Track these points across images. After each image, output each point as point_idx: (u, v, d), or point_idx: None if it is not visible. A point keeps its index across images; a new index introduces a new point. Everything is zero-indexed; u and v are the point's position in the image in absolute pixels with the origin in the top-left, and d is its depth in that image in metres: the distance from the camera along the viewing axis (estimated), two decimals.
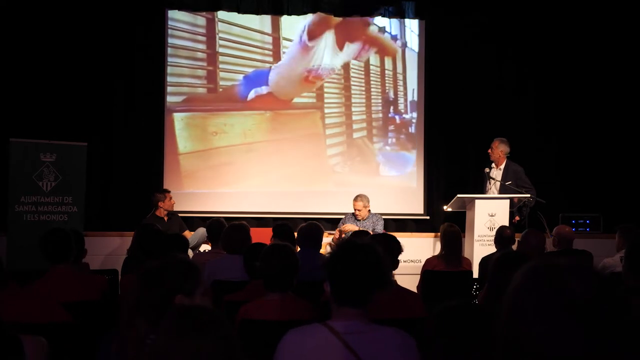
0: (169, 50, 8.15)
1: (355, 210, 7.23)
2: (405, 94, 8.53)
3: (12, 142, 6.82)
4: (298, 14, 8.26)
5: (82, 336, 3.06)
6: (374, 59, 8.45)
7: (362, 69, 8.44)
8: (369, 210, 7.28)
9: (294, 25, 8.32)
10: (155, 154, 8.03)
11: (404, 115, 8.53)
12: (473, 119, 8.31)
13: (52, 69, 7.73)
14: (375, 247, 2.21)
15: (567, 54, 8.42)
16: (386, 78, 8.48)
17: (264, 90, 8.24)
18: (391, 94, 8.51)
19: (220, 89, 8.24)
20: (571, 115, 8.43)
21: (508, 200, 6.83)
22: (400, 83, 8.52)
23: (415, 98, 8.51)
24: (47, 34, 7.71)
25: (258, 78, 8.25)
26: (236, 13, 8.15)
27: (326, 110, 8.39)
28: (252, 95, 8.23)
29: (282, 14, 8.24)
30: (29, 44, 7.67)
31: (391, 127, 8.51)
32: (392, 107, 8.51)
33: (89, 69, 7.83)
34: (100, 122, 7.94)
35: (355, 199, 7.24)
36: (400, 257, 3.57)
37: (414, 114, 8.51)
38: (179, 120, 8.17)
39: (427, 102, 8.48)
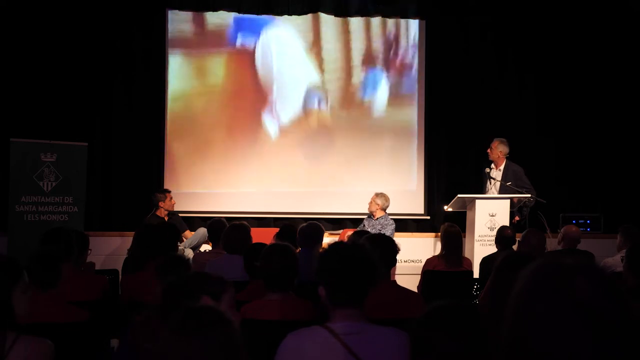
0: (169, 50, 8.15)
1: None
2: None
3: (13, 142, 6.81)
4: (298, 14, 8.26)
5: (83, 335, 3.06)
6: (374, 58, 8.46)
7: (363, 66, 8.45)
8: (385, 212, 7.29)
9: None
10: (155, 153, 8.03)
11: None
12: (473, 119, 8.31)
13: (52, 69, 7.72)
14: (362, 245, 2.26)
15: (567, 54, 8.43)
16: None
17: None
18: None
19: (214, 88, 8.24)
20: (571, 115, 8.43)
21: (508, 201, 6.83)
22: None
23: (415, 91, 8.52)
24: (47, 34, 7.70)
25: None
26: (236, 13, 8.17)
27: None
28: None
29: (282, 14, 8.23)
30: (29, 44, 7.67)
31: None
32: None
33: (89, 69, 7.82)
34: (100, 122, 7.94)
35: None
36: (400, 257, 3.57)
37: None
38: (178, 120, 8.17)
39: (427, 102, 8.47)
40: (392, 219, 7.34)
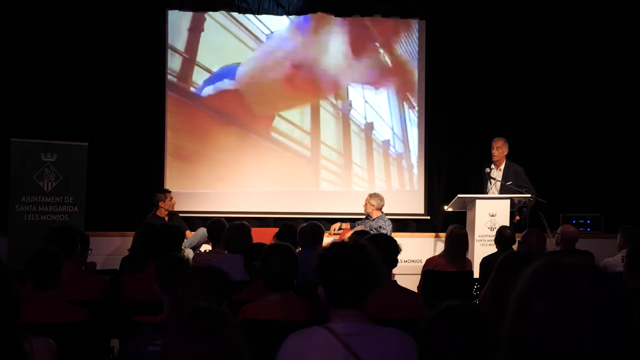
0: (169, 50, 8.14)
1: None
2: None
3: (13, 142, 6.82)
4: (298, 13, 8.26)
5: (83, 335, 3.06)
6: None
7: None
8: (381, 211, 7.28)
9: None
10: (155, 153, 8.03)
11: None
12: (473, 119, 8.31)
13: (52, 69, 7.72)
14: (364, 245, 2.22)
15: (568, 53, 8.43)
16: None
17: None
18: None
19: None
20: (572, 115, 8.44)
21: (508, 200, 6.83)
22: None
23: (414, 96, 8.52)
24: (47, 33, 7.70)
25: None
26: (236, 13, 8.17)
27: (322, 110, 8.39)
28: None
29: (282, 13, 8.23)
30: (29, 44, 7.67)
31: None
32: None
33: (89, 69, 7.82)
34: (100, 122, 7.94)
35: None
36: (400, 257, 3.56)
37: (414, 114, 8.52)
38: (178, 120, 8.17)
39: (427, 102, 8.48)
40: (390, 219, 7.33)
